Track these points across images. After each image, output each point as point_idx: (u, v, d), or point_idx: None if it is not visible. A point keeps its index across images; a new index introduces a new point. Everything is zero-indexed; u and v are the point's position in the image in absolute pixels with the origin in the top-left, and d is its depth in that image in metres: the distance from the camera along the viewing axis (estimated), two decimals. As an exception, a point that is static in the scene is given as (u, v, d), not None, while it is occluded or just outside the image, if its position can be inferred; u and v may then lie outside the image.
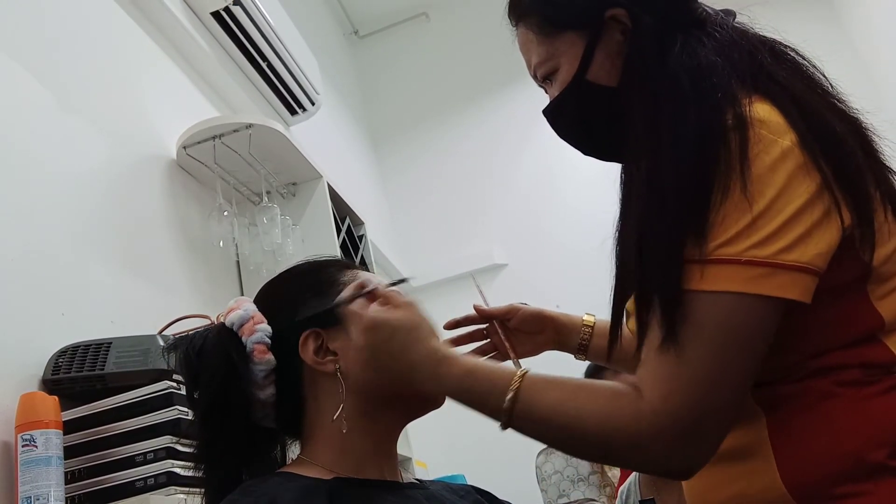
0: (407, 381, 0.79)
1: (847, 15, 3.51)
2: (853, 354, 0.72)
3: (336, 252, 2.01)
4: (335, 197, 2.17)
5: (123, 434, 1.12)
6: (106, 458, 1.11)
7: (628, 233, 0.78)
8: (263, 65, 2.27)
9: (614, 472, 2.42)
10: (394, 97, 3.99)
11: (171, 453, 1.10)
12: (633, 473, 1.75)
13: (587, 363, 1.32)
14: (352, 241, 2.29)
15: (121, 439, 1.12)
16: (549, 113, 0.91)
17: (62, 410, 1.07)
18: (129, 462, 1.10)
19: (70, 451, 1.09)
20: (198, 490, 0.83)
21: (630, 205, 0.79)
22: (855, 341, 0.73)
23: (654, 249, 0.71)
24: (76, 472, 1.10)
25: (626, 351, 0.88)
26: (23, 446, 0.98)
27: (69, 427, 1.11)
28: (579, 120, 0.90)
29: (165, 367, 1.15)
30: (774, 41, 0.82)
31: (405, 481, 0.85)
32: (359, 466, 0.79)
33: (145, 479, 1.09)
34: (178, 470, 1.09)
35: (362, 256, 2.31)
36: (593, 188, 3.20)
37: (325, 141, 3.01)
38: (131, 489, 1.08)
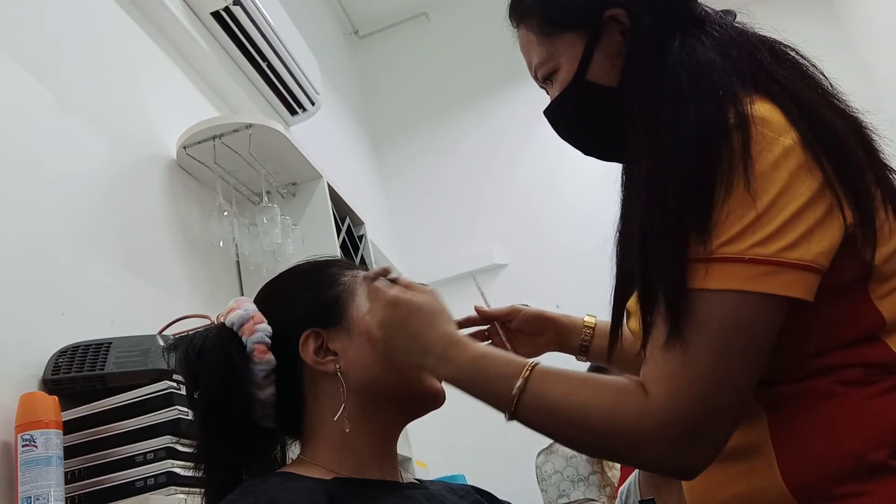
0: (416, 362, 0.79)
1: (847, 15, 3.51)
2: (854, 354, 0.72)
3: (336, 252, 2.01)
4: (335, 197, 2.17)
5: (123, 434, 1.12)
6: (106, 458, 1.11)
7: (630, 233, 0.78)
8: (263, 65, 2.27)
9: (614, 473, 2.41)
10: (394, 97, 3.99)
11: (171, 453, 1.09)
12: (633, 473, 1.75)
13: (588, 364, 1.32)
14: (352, 241, 2.29)
15: (121, 439, 1.12)
16: (549, 113, 0.92)
17: (62, 410, 1.07)
18: (129, 462, 1.10)
19: (70, 451, 1.09)
20: (198, 490, 0.83)
21: (631, 205, 0.79)
22: (856, 341, 0.73)
23: (658, 248, 0.71)
24: (76, 472, 1.10)
25: (626, 352, 0.88)
26: (23, 446, 0.98)
27: (69, 427, 1.11)
28: (580, 120, 0.90)
29: (165, 367, 1.15)
30: (774, 41, 0.83)
31: (405, 481, 0.85)
32: (359, 466, 0.79)
33: (145, 479, 1.09)
34: (178, 470, 1.09)
35: (362, 256, 2.31)
36: (593, 188, 3.20)
37: (325, 141, 3.01)
38: (131, 489, 1.08)
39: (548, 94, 0.92)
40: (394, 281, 0.83)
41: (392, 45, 4.04)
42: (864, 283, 0.73)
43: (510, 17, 0.93)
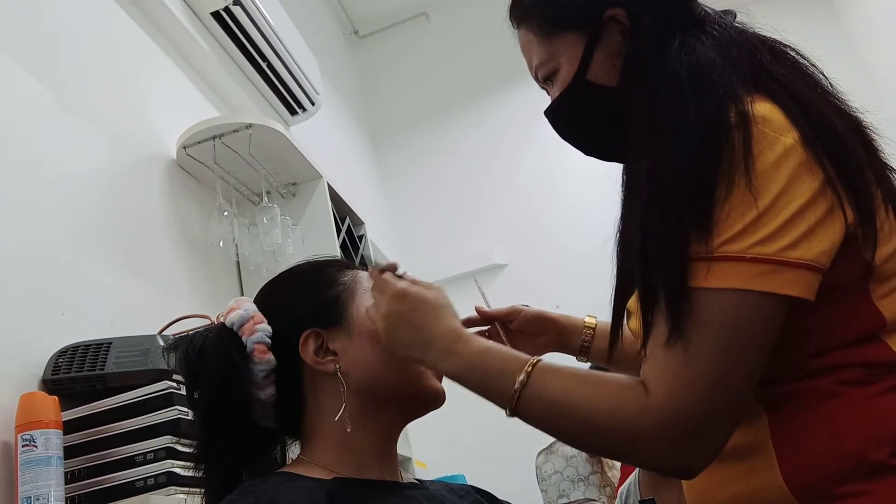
0: (418, 356, 0.79)
1: (847, 15, 3.51)
2: (855, 354, 0.72)
3: (336, 252, 2.01)
4: (335, 197, 2.17)
5: (123, 434, 1.12)
6: (106, 458, 1.11)
7: (630, 233, 0.78)
8: (263, 65, 2.27)
9: (614, 473, 2.41)
10: (394, 97, 3.99)
11: (171, 453, 1.09)
12: (633, 473, 1.75)
13: (589, 365, 1.32)
14: (352, 241, 2.29)
15: (121, 439, 1.12)
16: (550, 114, 0.92)
17: (62, 410, 1.07)
18: (129, 462, 1.10)
19: (70, 451, 1.09)
20: (198, 490, 0.83)
21: (632, 205, 0.79)
22: (856, 340, 0.73)
23: (659, 247, 0.71)
24: (76, 472, 1.10)
25: (626, 352, 0.88)
26: (23, 446, 0.98)
27: (69, 427, 1.11)
28: (580, 120, 0.90)
29: (165, 367, 1.15)
30: (774, 40, 0.83)
31: (405, 481, 0.85)
32: (359, 466, 0.79)
33: (145, 479, 1.09)
34: (178, 470, 1.09)
35: (362, 256, 2.31)
36: (593, 188, 3.20)
37: (325, 141, 3.01)
38: (131, 489, 1.08)
39: (548, 94, 0.92)
40: (400, 277, 0.84)
41: (392, 45, 4.04)
42: (865, 283, 0.73)
43: (510, 18, 0.93)
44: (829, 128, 0.73)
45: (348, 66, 3.94)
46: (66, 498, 1.04)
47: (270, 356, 0.80)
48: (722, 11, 0.85)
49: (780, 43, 0.83)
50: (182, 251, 1.71)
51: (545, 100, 0.93)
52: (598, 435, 0.72)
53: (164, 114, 1.81)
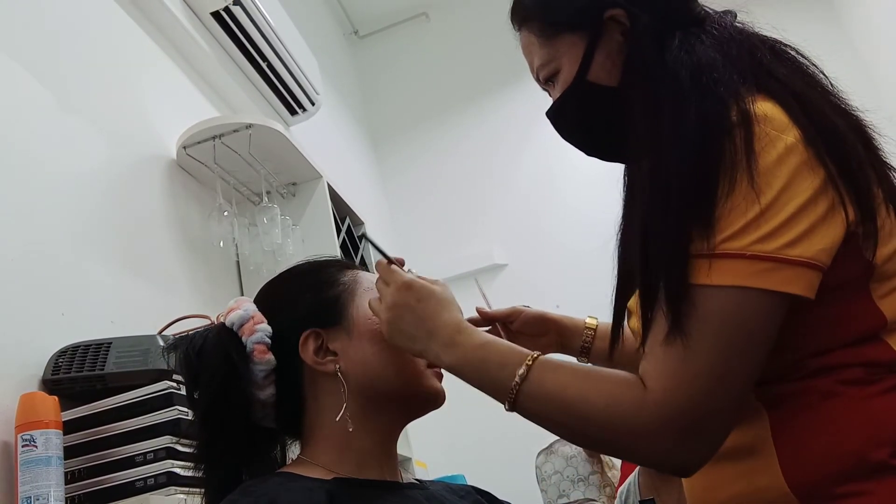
0: (420, 348, 0.79)
1: (847, 15, 3.51)
2: (855, 353, 0.72)
3: (336, 252, 2.01)
4: (335, 197, 2.17)
5: (123, 434, 1.12)
6: (106, 458, 1.11)
7: (632, 232, 0.78)
8: (263, 65, 2.27)
9: (614, 473, 2.41)
10: (394, 97, 3.99)
11: (171, 453, 1.09)
12: (633, 473, 1.75)
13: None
14: (352, 241, 2.29)
15: (121, 439, 1.12)
16: (551, 114, 0.92)
17: (62, 410, 1.07)
18: (129, 462, 1.10)
19: (70, 451, 1.09)
20: (198, 490, 0.83)
21: (633, 204, 0.79)
22: (857, 340, 0.73)
23: (660, 245, 0.71)
24: (76, 472, 1.10)
25: (627, 353, 0.88)
26: (23, 446, 0.98)
27: (69, 427, 1.11)
28: (581, 121, 0.90)
29: (165, 367, 1.15)
30: (774, 40, 0.83)
31: (405, 481, 0.85)
32: (359, 466, 0.79)
33: (145, 479, 1.09)
34: (178, 470, 1.09)
35: (362, 256, 2.31)
36: (593, 188, 3.20)
37: (325, 141, 3.01)
38: (131, 489, 1.08)
39: (550, 96, 0.93)
40: (408, 272, 0.84)
41: (392, 45, 4.04)
42: (865, 283, 0.73)
43: (512, 20, 0.93)
44: (830, 127, 0.73)
45: (348, 66, 3.94)
46: (66, 498, 1.04)
47: (270, 356, 0.80)
48: (722, 11, 0.85)
49: (781, 42, 0.83)
50: (182, 251, 1.71)
51: (545, 100, 0.93)
52: (595, 430, 0.72)
53: (164, 114, 1.81)
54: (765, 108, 0.72)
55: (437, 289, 0.82)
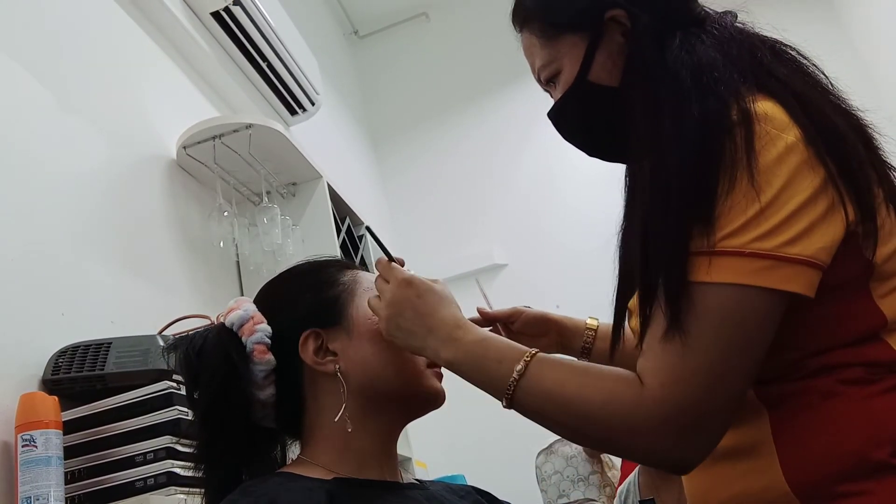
0: (419, 345, 0.79)
1: (847, 15, 3.51)
2: (856, 353, 0.72)
3: (336, 252, 2.01)
4: (335, 197, 2.17)
5: (123, 434, 1.12)
6: (106, 458, 1.11)
7: (632, 231, 0.78)
8: (263, 65, 2.27)
9: (614, 473, 2.41)
10: (394, 97, 3.99)
11: (171, 453, 1.09)
12: (633, 473, 1.75)
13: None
14: (352, 241, 2.29)
15: (121, 439, 1.11)
16: (553, 115, 0.92)
17: (62, 410, 1.07)
18: (129, 462, 1.10)
19: (70, 451, 1.09)
20: (198, 490, 0.83)
21: (634, 203, 0.79)
22: (857, 339, 0.73)
23: (660, 242, 0.71)
24: (76, 472, 1.10)
25: (628, 353, 0.88)
26: (23, 446, 0.98)
27: (69, 427, 1.11)
28: (583, 121, 0.90)
29: (165, 367, 1.15)
30: (775, 40, 0.83)
31: (405, 481, 0.85)
32: (359, 466, 0.79)
33: (145, 479, 1.08)
34: (178, 470, 1.09)
35: (362, 256, 2.31)
36: (593, 188, 3.20)
37: (325, 141, 3.01)
38: (131, 489, 1.08)
39: (551, 96, 0.93)
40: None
41: (392, 45, 4.04)
42: (865, 282, 0.73)
43: (513, 22, 0.94)
44: (831, 126, 0.73)
45: (348, 66, 3.94)
46: (66, 498, 1.04)
47: (270, 356, 0.80)
48: (722, 12, 0.85)
49: (781, 43, 0.83)
50: (182, 251, 1.71)
51: (545, 100, 0.93)
52: (592, 427, 0.72)
53: (164, 114, 1.81)
54: (765, 107, 0.72)
55: (437, 286, 0.82)
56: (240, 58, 2.21)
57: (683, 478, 0.85)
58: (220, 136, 1.74)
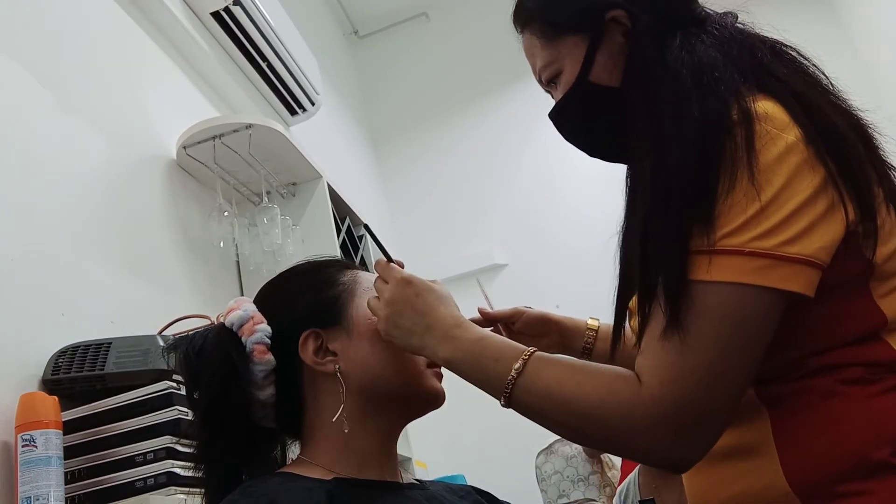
0: (417, 344, 0.79)
1: (847, 15, 3.51)
2: (856, 352, 0.72)
3: (336, 252, 2.01)
4: (335, 197, 2.17)
5: (123, 434, 1.12)
6: (106, 458, 1.11)
7: (633, 231, 0.78)
8: (263, 65, 2.27)
9: (614, 473, 2.41)
10: (394, 97, 3.99)
11: (171, 453, 1.09)
12: (632, 472, 1.75)
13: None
14: (352, 241, 2.29)
15: (121, 439, 1.11)
16: (554, 116, 0.92)
17: (62, 410, 1.07)
18: (129, 462, 1.10)
19: (70, 451, 1.09)
20: (198, 490, 0.83)
21: (635, 203, 0.79)
22: (857, 339, 0.73)
23: (660, 241, 0.71)
24: (76, 472, 1.10)
25: (628, 353, 0.88)
26: (23, 446, 0.98)
27: (69, 427, 1.11)
28: (584, 121, 0.91)
29: (165, 367, 1.15)
30: (775, 40, 0.83)
31: (405, 481, 0.85)
32: (359, 466, 0.79)
33: (145, 479, 1.08)
34: (178, 470, 1.09)
35: (362, 256, 2.31)
36: (593, 188, 3.21)
37: (325, 141, 3.01)
38: (131, 489, 1.08)
39: (553, 97, 0.93)
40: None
41: (392, 45, 4.04)
42: (866, 282, 0.73)
43: (514, 23, 0.94)
44: (831, 126, 0.73)
45: (348, 66, 3.94)
46: (66, 498, 1.04)
47: (270, 356, 0.80)
48: (723, 13, 0.85)
49: (781, 43, 0.83)
50: (182, 251, 1.71)
51: (545, 100, 0.93)
52: (590, 425, 0.72)
53: (164, 114, 1.81)
54: (766, 106, 0.72)
55: (435, 286, 0.83)
56: (240, 58, 2.21)
57: (684, 477, 0.85)
58: (220, 136, 1.74)
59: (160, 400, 1.12)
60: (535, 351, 0.75)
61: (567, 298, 2.39)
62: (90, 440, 1.12)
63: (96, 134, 1.52)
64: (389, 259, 0.85)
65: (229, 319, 0.82)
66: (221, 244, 1.76)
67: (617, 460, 2.45)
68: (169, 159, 1.77)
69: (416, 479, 0.90)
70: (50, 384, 1.14)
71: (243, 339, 0.80)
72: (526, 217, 3.57)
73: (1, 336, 1.10)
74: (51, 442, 1.00)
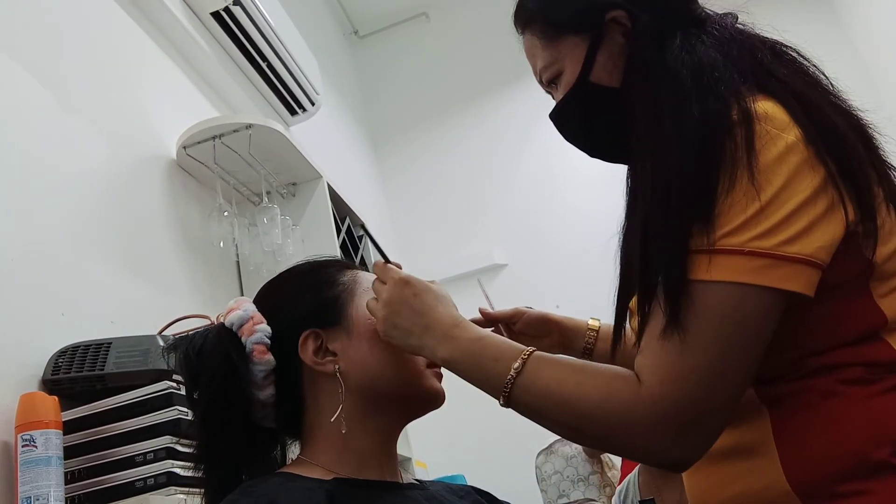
0: (416, 343, 0.79)
1: (847, 15, 3.51)
2: (856, 352, 0.72)
3: (336, 252, 2.01)
4: (335, 197, 2.17)
5: (123, 434, 1.12)
6: (106, 458, 1.11)
7: (633, 231, 0.78)
8: (263, 65, 2.27)
9: (614, 473, 2.42)
10: (394, 97, 3.99)
11: (171, 453, 1.09)
12: (632, 472, 1.74)
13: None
14: (351, 241, 2.29)
15: (121, 439, 1.12)
16: (555, 116, 0.92)
17: (62, 410, 1.07)
18: (129, 462, 1.10)
19: (70, 451, 1.09)
20: (198, 490, 0.83)
21: (635, 203, 0.79)
22: (857, 339, 0.73)
23: (660, 240, 0.71)
24: (76, 472, 1.10)
25: (629, 353, 0.88)
26: (23, 446, 0.98)
27: (69, 427, 1.11)
28: (584, 122, 0.91)
29: (165, 367, 1.15)
30: (775, 41, 0.83)
31: (405, 482, 0.85)
32: (359, 467, 0.79)
33: (145, 479, 1.08)
34: (178, 470, 1.09)
35: (362, 256, 2.31)
36: (593, 188, 3.21)
37: (325, 141, 3.01)
38: (131, 489, 1.08)
39: (553, 98, 0.93)
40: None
41: (392, 45, 4.04)
42: (866, 281, 0.73)
43: (515, 24, 0.94)
44: (831, 126, 0.73)
45: (348, 66, 3.94)
46: (66, 498, 1.04)
47: (270, 356, 0.80)
48: (723, 13, 0.85)
49: (781, 43, 0.83)
50: (182, 251, 1.71)
51: (545, 100, 0.93)
52: (589, 424, 0.72)
53: (164, 114, 1.81)
54: (766, 106, 0.72)
55: (433, 286, 0.83)
56: (240, 58, 2.21)
57: (684, 477, 0.85)
58: (220, 136, 1.74)
59: (160, 400, 1.12)
60: (534, 350, 0.75)
61: (567, 298, 2.39)
62: (90, 440, 1.12)
63: (96, 134, 1.52)
64: (387, 260, 0.85)
65: (229, 319, 0.82)
66: (221, 244, 1.76)
67: (617, 460, 2.45)
68: (169, 159, 1.78)
69: (416, 479, 0.90)
70: (50, 384, 1.14)
71: (243, 339, 0.80)
72: (526, 217, 3.57)
73: (1, 336, 1.10)
74: (51, 442, 1.00)
